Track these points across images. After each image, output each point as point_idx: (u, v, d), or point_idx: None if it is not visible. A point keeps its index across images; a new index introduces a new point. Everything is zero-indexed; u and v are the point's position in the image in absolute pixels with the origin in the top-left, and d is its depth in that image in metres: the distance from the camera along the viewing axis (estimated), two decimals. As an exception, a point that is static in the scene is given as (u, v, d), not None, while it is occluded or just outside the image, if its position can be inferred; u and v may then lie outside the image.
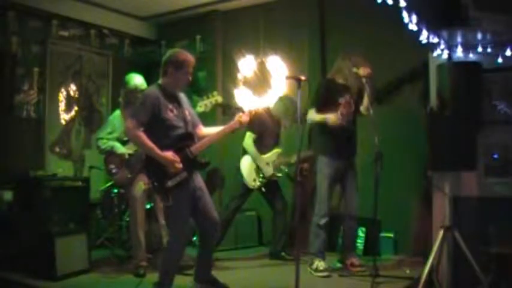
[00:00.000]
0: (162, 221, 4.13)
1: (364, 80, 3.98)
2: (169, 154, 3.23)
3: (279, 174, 4.83)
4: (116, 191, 5.29)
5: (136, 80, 4.30)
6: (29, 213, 4.21)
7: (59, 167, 5.46)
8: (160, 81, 3.42)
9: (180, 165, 3.24)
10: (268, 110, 4.76)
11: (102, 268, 4.37)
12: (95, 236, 5.00)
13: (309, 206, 5.23)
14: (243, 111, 3.57)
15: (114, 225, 5.19)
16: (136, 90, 4.22)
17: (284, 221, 4.79)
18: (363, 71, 3.97)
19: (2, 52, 5.10)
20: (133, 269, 4.12)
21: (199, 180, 3.48)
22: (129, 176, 4.23)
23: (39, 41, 5.57)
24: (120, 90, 4.42)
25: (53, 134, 5.75)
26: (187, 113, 3.44)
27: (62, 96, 5.88)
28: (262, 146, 4.74)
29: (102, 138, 4.37)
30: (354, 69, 4.01)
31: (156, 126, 3.27)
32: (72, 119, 5.99)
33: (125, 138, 4.23)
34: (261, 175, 4.73)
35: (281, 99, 4.92)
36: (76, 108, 6.03)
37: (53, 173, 4.98)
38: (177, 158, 3.24)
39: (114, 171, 4.29)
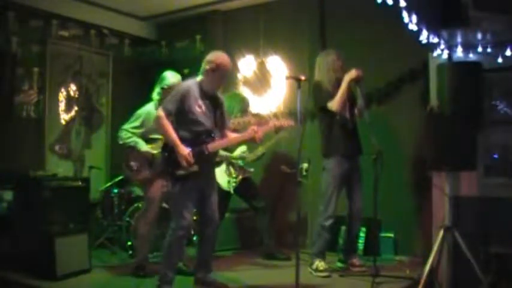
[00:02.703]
0: None
1: (353, 83, 4.00)
2: (186, 151, 3.35)
3: (251, 169, 4.87)
4: (115, 191, 5.30)
5: (173, 79, 4.24)
6: (29, 213, 4.21)
7: (59, 167, 5.46)
8: (199, 78, 3.56)
9: (193, 167, 3.35)
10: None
11: (102, 268, 4.38)
12: (95, 236, 5.00)
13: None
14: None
15: (114, 225, 5.20)
16: (171, 88, 4.17)
17: (267, 220, 4.80)
18: (351, 74, 3.98)
19: (2, 52, 5.10)
20: (133, 269, 4.12)
21: (211, 178, 3.59)
22: (149, 176, 4.20)
23: (39, 41, 5.57)
24: (156, 88, 4.33)
25: (53, 134, 5.75)
26: (218, 114, 3.56)
27: (62, 96, 5.88)
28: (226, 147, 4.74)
29: (126, 130, 4.25)
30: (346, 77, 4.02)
31: (182, 117, 3.43)
32: (72, 119, 5.99)
33: (150, 136, 4.19)
34: (234, 176, 4.74)
35: (227, 97, 4.97)
36: (76, 108, 6.03)
37: (53, 173, 4.97)
38: (191, 158, 3.35)
39: (134, 168, 4.24)
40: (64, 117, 5.91)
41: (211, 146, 3.48)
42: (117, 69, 6.38)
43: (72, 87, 5.99)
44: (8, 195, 4.53)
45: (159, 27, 6.81)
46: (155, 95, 4.29)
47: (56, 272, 3.90)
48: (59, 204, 4.19)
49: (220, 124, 3.59)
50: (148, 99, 4.37)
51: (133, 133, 4.22)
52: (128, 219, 5.04)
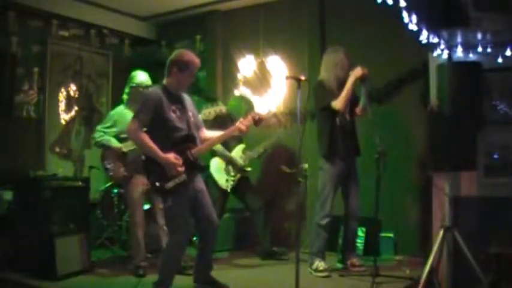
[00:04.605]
0: (161, 222, 4.13)
1: (358, 81, 3.99)
2: (171, 156, 3.21)
3: (249, 169, 4.88)
4: (116, 191, 5.30)
5: (141, 77, 4.29)
6: (29, 213, 4.21)
7: (59, 167, 5.46)
8: (164, 81, 3.43)
9: (182, 168, 3.24)
10: (226, 110, 4.77)
11: (102, 268, 4.38)
12: (95, 236, 5.00)
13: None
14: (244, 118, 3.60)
15: (114, 225, 5.20)
16: (141, 86, 4.22)
17: (262, 219, 4.81)
18: (357, 72, 3.98)
19: (2, 52, 5.09)
20: (133, 269, 4.12)
21: (200, 182, 3.48)
22: (125, 174, 4.21)
23: (39, 41, 5.57)
24: (124, 87, 4.40)
25: (53, 134, 5.75)
26: (190, 114, 3.43)
27: (62, 96, 5.88)
28: (226, 145, 4.77)
29: (99, 131, 4.33)
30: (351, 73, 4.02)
31: (158, 127, 3.27)
32: (72, 119, 5.99)
33: (123, 136, 4.20)
34: (232, 174, 4.76)
35: (234, 98, 5.11)
36: (76, 108, 6.03)
37: (53, 173, 4.98)
38: (179, 161, 3.23)
39: (108, 166, 4.26)
40: (64, 117, 5.91)
41: (196, 151, 3.36)
42: (117, 69, 6.37)
43: (72, 87, 5.99)
44: (8, 195, 4.53)
45: (159, 27, 6.81)
46: (125, 95, 4.33)
47: (56, 272, 3.91)
48: (59, 204, 4.20)
49: (194, 125, 3.45)
50: (120, 101, 4.45)
51: (105, 133, 4.29)
52: (127, 219, 5.03)
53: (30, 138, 5.49)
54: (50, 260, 3.92)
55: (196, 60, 3.41)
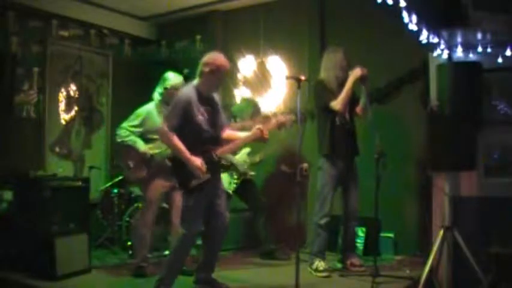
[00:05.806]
0: (176, 222, 4.11)
1: (358, 82, 3.99)
2: (198, 161, 3.29)
3: (252, 173, 4.87)
4: (116, 191, 5.30)
5: (174, 79, 4.25)
6: (29, 213, 4.21)
7: (59, 167, 5.46)
8: (195, 82, 3.46)
9: (206, 175, 3.32)
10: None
11: (102, 268, 4.38)
12: (95, 236, 5.00)
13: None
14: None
15: (114, 225, 5.20)
16: (175, 88, 4.18)
17: (264, 220, 4.82)
18: (356, 72, 3.98)
19: (2, 52, 5.10)
20: (133, 269, 4.12)
21: (220, 182, 3.58)
22: (145, 176, 4.20)
23: (39, 41, 5.57)
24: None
25: (53, 134, 5.75)
26: (218, 115, 3.50)
27: (62, 96, 5.88)
28: None
29: (125, 129, 4.24)
30: (350, 73, 4.03)
31: (186, 128, 3.34)
32: (72, 119, 5.99)
33: (149, 136, 4.18)
34: (235, 177, 4.76)
35: (242, 100, 5.16)
36: (76, 108, 6.03)
37: (53, 173, 4.97)
38: (204, 167, 3.31)
39: (132, 167, 4.24)
40: (64, 117, 5.91)
41: (220, 152, 3.44)
42: (117, 69, 6.38)
43: (72, 87, 5.99)
44: (8, 195, 4.53)
45: (159, 27, 6.81)
46: (156, 95, 4.29)
47: (56, 272, 3.90)
48: (59, 204, 4.19)
49: (220, 124, 3.53)
50: (148, 99, 4.37)
51: (131, 132, 4.22)
52: (127, 219, 5.04)
53: (30, 138, 5.49)
54: (50, 260, 3.92)
55: (227, 65, 3.48)
